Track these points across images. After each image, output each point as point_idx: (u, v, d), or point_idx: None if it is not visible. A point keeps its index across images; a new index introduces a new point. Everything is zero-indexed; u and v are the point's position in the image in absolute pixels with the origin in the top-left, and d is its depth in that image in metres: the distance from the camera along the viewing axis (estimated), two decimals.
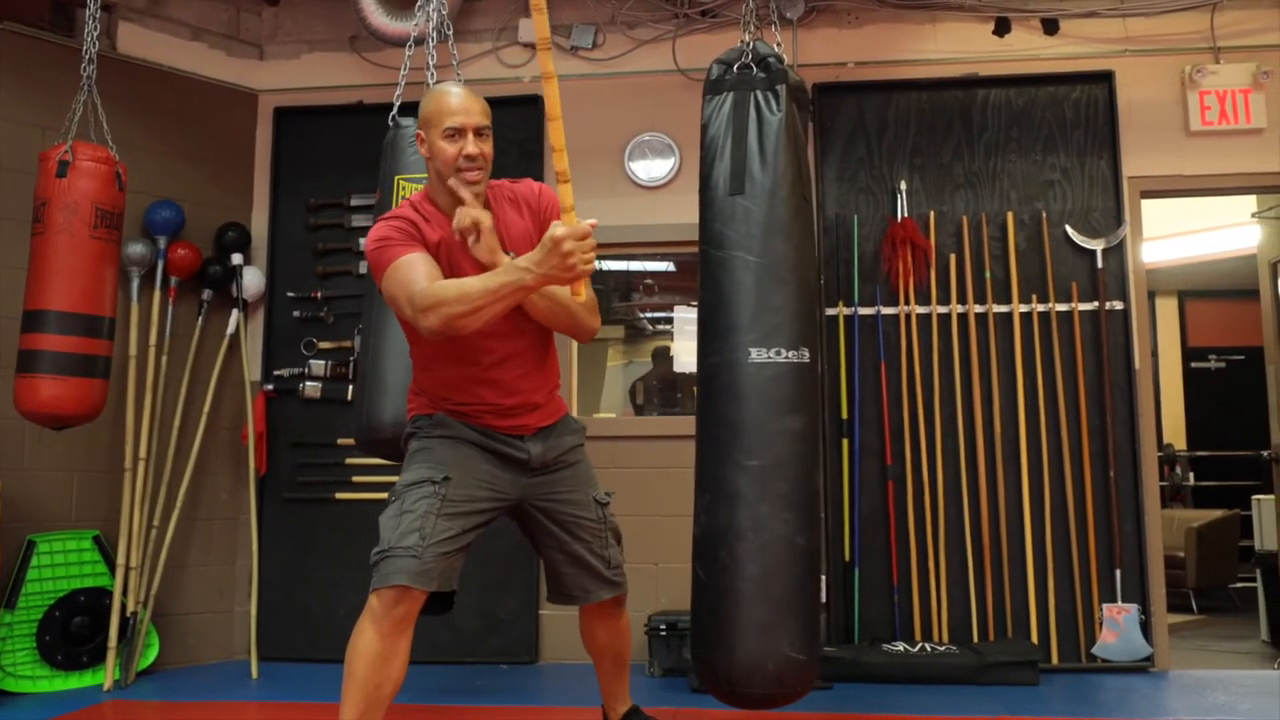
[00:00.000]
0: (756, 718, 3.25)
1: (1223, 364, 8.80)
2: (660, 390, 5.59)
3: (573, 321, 2.65)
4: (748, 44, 3.17)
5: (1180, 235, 7.35)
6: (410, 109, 3.82)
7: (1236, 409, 8.28)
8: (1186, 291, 8.75)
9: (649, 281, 5.66)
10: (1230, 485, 8.13)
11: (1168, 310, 8.76)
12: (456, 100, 2.58)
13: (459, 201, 2.57)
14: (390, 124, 3.76)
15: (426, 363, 2.71)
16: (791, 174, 3.00)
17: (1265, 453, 5.64)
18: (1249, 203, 6.10)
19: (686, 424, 5.00)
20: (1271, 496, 5.83)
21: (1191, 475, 8.40)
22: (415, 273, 2.44)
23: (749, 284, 2.93)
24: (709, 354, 3.00)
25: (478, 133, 2.57)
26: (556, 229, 2.25)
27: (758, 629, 2.83)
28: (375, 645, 2.40)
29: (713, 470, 2.96)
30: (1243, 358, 8.64)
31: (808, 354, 2.94)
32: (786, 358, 2.90)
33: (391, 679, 2.42)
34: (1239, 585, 7.29)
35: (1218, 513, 7.24)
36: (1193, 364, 8.81)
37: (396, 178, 3.62)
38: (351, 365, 4.93)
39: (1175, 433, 8.56)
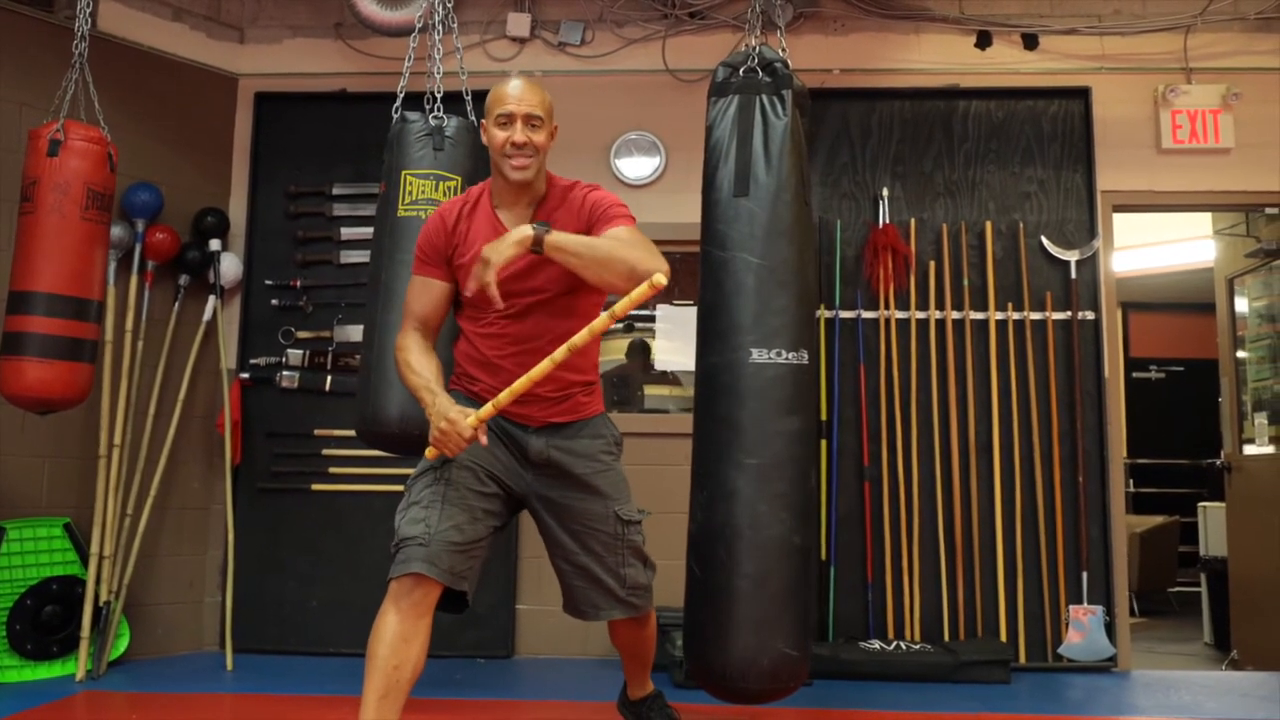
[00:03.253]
0: (742, 712, 3.30)
1: (1163, 375, 9.07)
2: (616, 387, 5.58)
3: (609, 275, 2.45)
4: (753, 48, 3.21)
5: (1126, 249, 7.54)
6: (413, 101, 3.81)
7: (1175, 419, 8.57)
8: (1130, 303, 8.99)
9: None
10: (1167, 492, 8.40)
11: None
12: (512, 89, 2.63)
13: (510, 186, 2.64)
14: (395, 116, 3.71)
15: (460, 340, 2.75)
16: (795, 178, 3.05)
17: (1218, 460, 5.84)
18: (1199, 218, 6.31)
19: (642, 421, 5.10)
20: (1218, 503, 6.05)
21: (1131, 482, 8.65)
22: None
23: (751, 285, 2.96)
24: (709, 353, 3.03)
25: (528, 121, 2.60)
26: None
27: (754, 626, 2.87)
28: (395, 626, 2.41)
29: (711, 468, 2.99)
30: (1182, 369, 8.93)
31: (806, 356, 2.99)
32: (787, 359, 2.94)
33: (410, 661, 2.41)
34: (1177, 589, 7.54)
35: (1159, 519, 7.45)
36: (1134, 374, 9.06)
37: (403, 172, 3.56)
38: (329, 355, 4.89)
39: None
